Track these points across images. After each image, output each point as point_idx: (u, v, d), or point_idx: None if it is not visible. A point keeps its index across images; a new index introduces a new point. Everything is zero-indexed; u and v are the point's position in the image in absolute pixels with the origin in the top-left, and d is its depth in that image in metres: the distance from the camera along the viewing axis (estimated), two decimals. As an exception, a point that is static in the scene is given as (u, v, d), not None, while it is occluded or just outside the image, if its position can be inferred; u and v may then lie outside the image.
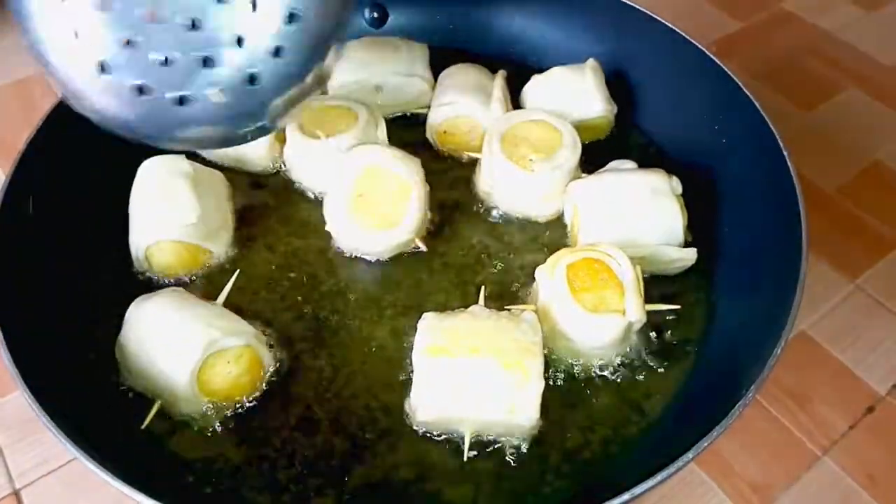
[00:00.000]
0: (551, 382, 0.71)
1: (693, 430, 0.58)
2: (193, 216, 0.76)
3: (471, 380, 0.64)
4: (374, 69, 0.95)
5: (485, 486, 0.66)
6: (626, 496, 0.54)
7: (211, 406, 0.69)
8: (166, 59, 0.53)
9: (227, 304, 0.73)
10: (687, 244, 0.79)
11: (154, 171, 0.79)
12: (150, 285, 0.78)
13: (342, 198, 0.79)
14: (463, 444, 0.67)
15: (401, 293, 0.80)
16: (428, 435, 0.69)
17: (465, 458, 0.66)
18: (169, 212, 0.76)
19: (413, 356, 0.67)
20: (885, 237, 0.95)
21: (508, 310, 0.72)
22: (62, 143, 0.79)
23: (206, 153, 0.89)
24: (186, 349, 0.66)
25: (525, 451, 0.68)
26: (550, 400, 0.69)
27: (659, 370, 0.74)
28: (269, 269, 0.82)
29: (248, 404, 0.70)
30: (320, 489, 0.66)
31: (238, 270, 0.79)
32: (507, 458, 0.67)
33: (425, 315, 0.69)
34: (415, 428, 0.69)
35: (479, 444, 0.68)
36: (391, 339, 0.76)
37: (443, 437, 0.68)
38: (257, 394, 0.71)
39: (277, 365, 0.73)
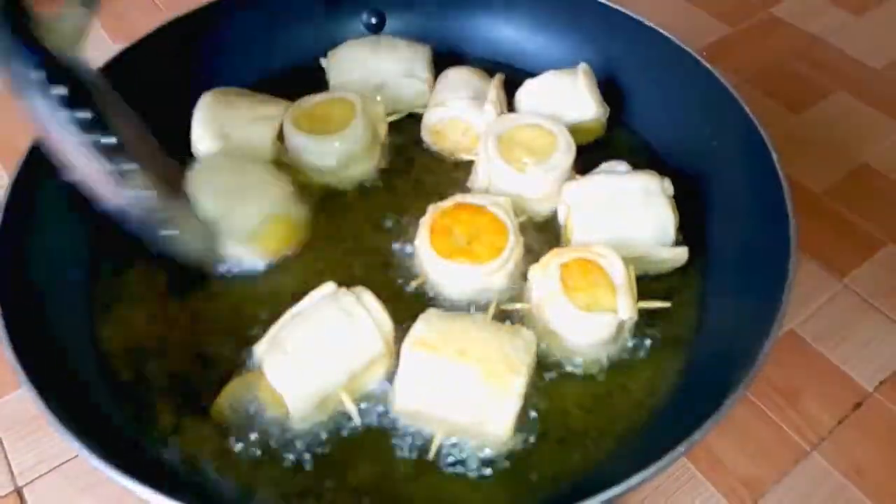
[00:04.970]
0: (545, 379, 0.72)
1: (684, 425, 0.59)
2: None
3: (451, 381, 0.65)
4: (373, 69, 0.96)
5: (484, 486, 0.66)
6: (616, 489, 0.55)
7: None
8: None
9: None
10: (678, 244, 0.80)
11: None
12: (150, 285, 0.79)
13: None
14: (432, 443, 0.67)
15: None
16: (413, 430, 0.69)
17: (429, 458, 0.66)
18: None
19: (402, 345, 0.67)
20: (872, 237, 0.96)
21: (504, 310, 0.73)
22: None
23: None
24: None
25: (515, 452, 0.68)
26: (543, 397, 0.71)
27: (650, 367, 0.75)
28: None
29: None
30: (321, 482, 0.67)
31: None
32: (502, 457, 0.68)
33: (430, 309, 0.70)
34: (391, 417, 0.69)
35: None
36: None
37: (441, 441, 0.68)
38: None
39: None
